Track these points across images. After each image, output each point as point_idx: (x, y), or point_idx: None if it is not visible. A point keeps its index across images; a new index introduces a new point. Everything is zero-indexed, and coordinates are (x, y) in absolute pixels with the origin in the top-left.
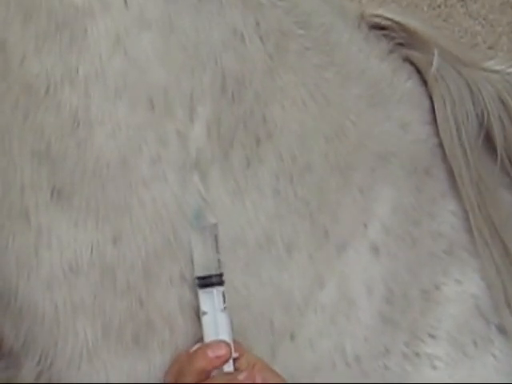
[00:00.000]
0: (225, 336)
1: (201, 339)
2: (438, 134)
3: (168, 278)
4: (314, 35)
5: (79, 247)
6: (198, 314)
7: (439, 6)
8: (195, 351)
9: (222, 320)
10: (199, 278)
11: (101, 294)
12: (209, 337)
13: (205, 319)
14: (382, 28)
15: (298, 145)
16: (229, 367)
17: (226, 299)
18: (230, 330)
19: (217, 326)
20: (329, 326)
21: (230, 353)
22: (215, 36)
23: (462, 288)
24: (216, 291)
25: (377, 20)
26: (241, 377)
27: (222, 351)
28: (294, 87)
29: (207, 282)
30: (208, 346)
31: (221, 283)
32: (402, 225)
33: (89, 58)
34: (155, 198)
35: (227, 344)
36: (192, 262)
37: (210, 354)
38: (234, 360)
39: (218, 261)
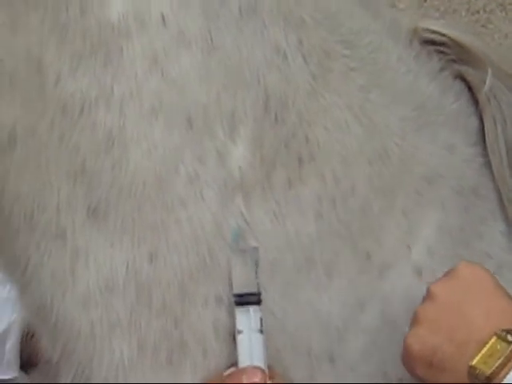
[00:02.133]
0: (259, 357)
1: (235, 363)
2: (483, 155)
3: (203, 298)
4: (360, 55)
5: (115, 266)
6: (232, 337)
7: (478, 12)
8: (230, 375)
9: (257, 340)
10: (236, 296)
11: (136, 312)
12: (243, 356)
13: (240, 338)
14: (435, 43)
15: (342, 167)
16: None
17: (263, 322)
18: (264, 351)
19: (251, 346)
20: (371, 350)
21: (266, 380)
22: (258, 54)
23: None
24: (253, 310)
25: (431, 36)
26: None
27: (257, 378)
28: (338, 108)
29: (244, 300)
30: (243, 371)
31: (258, 302)
32: (448, 246)
33: (124, 78)
34: (192, 218)
35: (263, 371)
36: (229, 283)
37: (245, 380)
38: None
39: (257, 279)
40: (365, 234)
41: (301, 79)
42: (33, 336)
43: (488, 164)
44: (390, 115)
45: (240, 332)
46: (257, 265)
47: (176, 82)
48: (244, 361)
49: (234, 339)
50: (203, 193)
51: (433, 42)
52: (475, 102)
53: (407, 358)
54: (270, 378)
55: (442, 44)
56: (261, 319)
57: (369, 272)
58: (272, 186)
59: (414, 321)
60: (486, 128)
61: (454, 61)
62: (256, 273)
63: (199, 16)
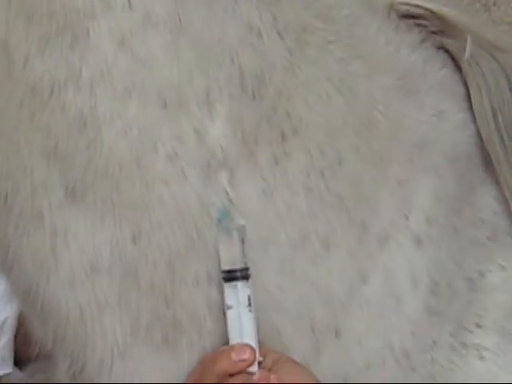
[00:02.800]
0: (249, 332)
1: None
2: (475, 121)
3: (194, 277)
4: (337, 28)
5: (98, 246)
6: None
7: None
8: (219, 353)
9: (246, 316)
10: (224, 272)
11: (125, 293)
12: (233, 332)
13: (229, 313)
14: (414, 16)
15: (327, 139)
16: (253, 369)
17: (255, 299)
18: (254, 326)
19: (241, 322)
20: (377, 322)
21: (255, 356)
22: (230, 33)
23: (508, 274)
24: (240, 285)
25: (407, 8)
26: (255, 377)
27: (246, 355)
28: (318, 81)
29: (232, 275)
30: (233, 349)
31: (245, 277)
32: (445, 214)
33: (92, 60)
34: (175, 196)
35: (252, 348)
36: (218, 260)
37: (234, 357)
38: (259, 362)
39: (244, 255)
40: (359, 204)
41: (277, 55)
42: (24, 331)
43: (478, 131)
44: (372, 85)
45: (229, 307)
46: (243, 242)
47: (146, 62)
48: (234, 336)
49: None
50: (185, 171)
51: (412, 16)
52: (460, 70)
53: None
54: (262, 355)
55: (419, 16)
56: (249, 295)
57: (367, 243)
58: (257, 162)
59: None
60: (471, 95)
61: (434, 32)
62: (243, 250)
63: None
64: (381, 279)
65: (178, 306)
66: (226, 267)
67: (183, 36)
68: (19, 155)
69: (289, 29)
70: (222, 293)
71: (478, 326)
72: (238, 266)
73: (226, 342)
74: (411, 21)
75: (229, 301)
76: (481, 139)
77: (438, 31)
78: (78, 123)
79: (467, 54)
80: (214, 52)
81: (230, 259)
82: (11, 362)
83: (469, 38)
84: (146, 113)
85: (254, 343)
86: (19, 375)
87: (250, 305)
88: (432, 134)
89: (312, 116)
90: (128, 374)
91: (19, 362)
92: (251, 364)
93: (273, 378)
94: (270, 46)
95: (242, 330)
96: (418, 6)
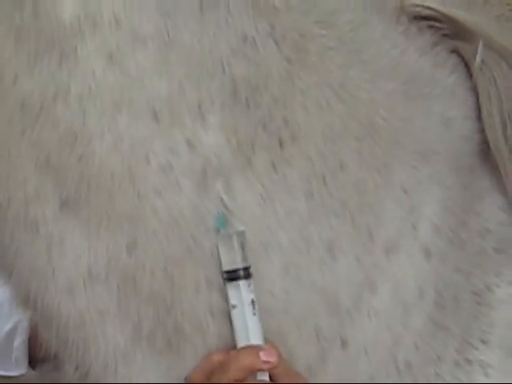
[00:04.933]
0: (255, 330)
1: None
2: (481, 131)
3: (193, 284)
4: (338, 34)
5: (94, 256)
6: (230, 319)
7: None
8: (244, 349)
9: (251, 314)
10: (226, 272)
11: (125, 300)
12: (239, 331)
13: (234, 313)
14: (426, 19)
15: (327, 145)
16: (265, 377)
17: (256, 303)
18: (260, 325)
19: (246, 320)
20: (384, 333)
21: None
22: (222, 45)
23: None
24: (242, 284)
25: (418, 10)
26: None
27: (274, 358)
28: (317, 88)
29: (234, 275)
30: (260, 348)
31: (247, 276)
32: (452, 224)
33: (81, 76)
34: (169, 206)
35: (279, 354)
36: (217, 265)
37: (263, 356)
38: None
39: (245, 256)
40: (362, 210)
41: (273, 63)
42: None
43: (485, 141)
44: (375, 90)
45: (234, 307)
46: (243, 247)
47: (135, 77)
48: (241, 335)
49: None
50: (179, 181)
51: (424, 18)
52: (471, 76)
53: None
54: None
55: (433, 19)
56: (251, 293)
57: (374, 251)
58: (254, 169)
59: None
60: (480, 102)
61: (447, 35)
62: (243, 252)
63: (154, 15)
64: (389, 289)
65: (179, 312)
66: (227, 268)
67: (172, 50)
68: (11, 167)
69: (286, 37)
70: (223, 296)
71: (483, 342)
72: (240, 265)
73: (231, 345)
74: (423, 23)
75: (233, 300)
76: (487, 149)
77: (450, 34)
78: (68, 137)
79: (478, 58)
80: (204, 64)
81: (231, 260)
82: (26, 363)
83: (480, 42)
84: (137, 126)
85: (260, 339)
86: (33, 375)
87: (253, 303)
88: (437, 142)
89: (311, 122)
90: (133, 378)
91: (33, 361)
92: (274, 368)
93: None
94: (266, 55)
95: (248, 328)
96: (429, 8)
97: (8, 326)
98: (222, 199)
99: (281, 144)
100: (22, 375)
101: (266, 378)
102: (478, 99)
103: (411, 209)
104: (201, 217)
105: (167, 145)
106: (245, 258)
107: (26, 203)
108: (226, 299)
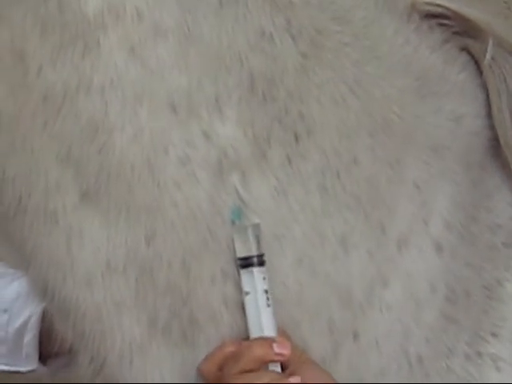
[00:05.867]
0: (268, 317)
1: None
2: (492, 127)
3: (209, 275)
4: (353, 30)
5: (113, 247)
6: (243, 310)
7: None
8: (258, 340)
9: (264, 301)
10: (240, 259)
11: (142, 292)
12: (252, 318)
13: (247, 299)
14: (436, 16)
15: (341, 140)
16: (277, 368)
17: (273, 293)
18: (272, 312)
19: (259, 307)
20: (396, 327)
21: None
22: (240, 39)
23: None
24: (256, 271)
25: (429, 8)
26: (293, 380)
27: (286, 350)
28: (332, 84)
29: (248, 262)
30: (274, 340)
31: (261, 263)
32: (462, 220)
33: (103, 68)
34: (187, 198)
35: (292, 346)
36: (232, 257)
37: (276, 348)
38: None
39: (259, 245)
40: (376, 204)
41: (289, 58)
42: (46, 327)
43: (495, 138)
44: (388, 86)
45: (247, 293)
46: (258, 240)
47: (155, 71)
48: (253, 323)
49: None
50: (196, 173)
51: (434, 16)
52: (481, 73)
53: None
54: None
55: (443, 17)
56: (264, 279)
57: (386, 245)
58: (270, 163)
59: None
60: (490, 99)
61: (457, 33)
62: (258, 242)
63: (175, 9)
64: (401, 284)
65: (194, 303)
66: (241, 255)
67: (192, 44)
68: (33, 159)
69: (303, 32)
70: (237, 288)
71: (494, 335)
72: (254, 252)
73: (244, 336)
74: (434, 21)
75: (246, 287)
76: (497, 146)
77: (460, 32)
78: (89, 129)
79: (488, 56)
80: (223, 58)
81: (246, 248)
82: (36, 359)
83: (490, 40)
84: (156, 118)
85: (273, 330)
86: (43, 371)
87: (266, 290)
88: (448, 138)
89: (326, 117)
90: (148, 370)
91: (43, 357)
92: (285, 360)
93: (296, 380)
94: (283, 49)
95: (261, 316)
96: (440, 6)
97: (19, 322)
98: (237, 191)
99: (296, 138)
100: (33, 371)
101: (278, 369)
102: (488, 96)
103: (423, 204)
104: (217, 209)
105: (185, 137)
106: (259, 247)
107: (46, 195)
108: (240, 291)
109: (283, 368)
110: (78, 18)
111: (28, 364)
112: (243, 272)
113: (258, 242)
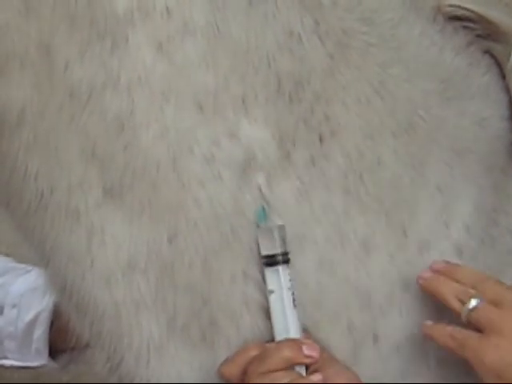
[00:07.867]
0: (292, 316)
1: (270, 339)
2: None
3: (230, 275)
4: (380, 31)
5: (135, 245)
6: (264, 312)
7: None
8: (287, 341)
9: (289, 299)
10: (265, 257)
11: (162, 292)
12: (276, 316)
13: (272, 298)
14: (461, 19)
15: (365, 141)
16: (301, 369)
17: (296, 296)
18: (297, 310)
19: (284, 306)
20: (416, 331)
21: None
22: (269, 39)
23: None
24: (282, 269)
25: (454, 10)
26: (314, 378)
27: (316, 353)
28: (358, 85)
29: (273, 260)
30: (302, 342)
31: (286, 261)
32: (483, 223)
33: (131, 65)
34: (211, 197)
35: (320, 349)
36: (254, 258)
37: (306, 350)
38: None
39: (284, 242)
40: (398, 207)
41: (317, 59)
42: (59, 323)
43: None
44: (413, 88)
45: (271, 292)
46: (284, 241)
47: (183, 68)
48: (278, 320)
49: (266, 314)
50: (221, 172)
51: (459, 18)
52: (504, 76)
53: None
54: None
55: (467, 19)
56: (289, 277)
57: (407, 248)
58: (294, 163)
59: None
60: None
61: (481, 36)
62: (282, 242)
63: (204, 7)
64: None
65: (214, 304)
66: (266, 252)
67: (220, 43)
68: (57, 155)
69: (330, 33)
70: (258, 289)
71: None
72: (279, 250)
73: (265, 338)
74: (458, 23)
75: (270, 286)
76: None
77: (484, 35)
78: (115, 126)
79: (511, 60)
80: (250, 58)
81: (270, 246)
82: (46, 354)
83: None
84: (182, 117)
85: (298, 330)
86: (53, 366)
87: (291, 288)
88: (471, 141)
89: (351, 118)
90: (165, 370)
91: (53, 353)
92: (315, 363)
93: (317, 378)
94: (310, 50)
95: (286, 312)
96: (465, 9)
97: (28, 317)
98: (261, 192)
99: (320, 139)
100: (43, 366)
101: (303, 371)
102: (511, 99)
103: (444, 207)
104: (241, 209)
105: (210, 136)
106: (284, 246)
107: (69, 192)
108: (261, 292)
109: (306, 368)
110: (107, 14)
111: (38, 359)
112: (268, 270)
113: (284, 241)
